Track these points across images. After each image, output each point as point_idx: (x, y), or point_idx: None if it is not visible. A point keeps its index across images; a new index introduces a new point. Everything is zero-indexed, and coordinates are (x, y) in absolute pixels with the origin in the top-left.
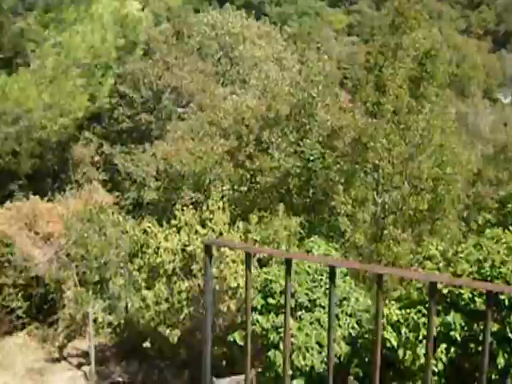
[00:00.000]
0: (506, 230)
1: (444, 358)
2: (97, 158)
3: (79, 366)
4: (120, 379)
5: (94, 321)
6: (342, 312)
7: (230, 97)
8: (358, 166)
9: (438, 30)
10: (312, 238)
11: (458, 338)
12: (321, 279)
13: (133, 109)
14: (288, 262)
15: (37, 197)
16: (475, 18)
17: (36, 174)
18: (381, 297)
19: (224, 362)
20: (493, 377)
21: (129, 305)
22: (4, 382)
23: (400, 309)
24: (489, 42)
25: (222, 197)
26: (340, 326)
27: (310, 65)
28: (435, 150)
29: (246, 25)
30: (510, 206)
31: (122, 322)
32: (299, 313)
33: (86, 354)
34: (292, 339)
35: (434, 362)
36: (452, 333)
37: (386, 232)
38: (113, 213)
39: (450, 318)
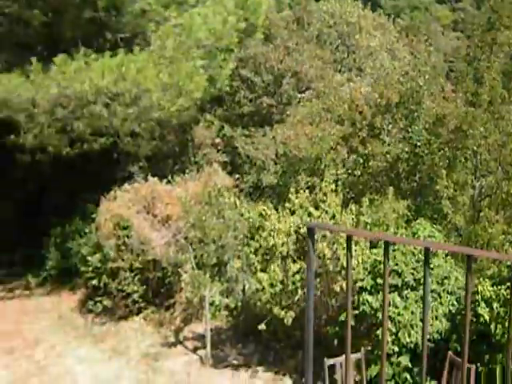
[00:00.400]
0: None
1: None
2: (218, 141)
3: (195, 350)
4: (235, 362)
5: (211, 304)
6: (444, 290)
7: (346, 84)
8: (458, 152)
9: None
10: (418, 221)
11: None
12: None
13: (254, 92)
14: (386, 245)
15: (155, 179)
16: None
17: (156, 156)
18: (469, 277)
19: (336, 342)
20: None
21: (246, 287)
22: (118, 367)
23: (492, 285)
24: None
25: (337, 180)
26: (441, 303)
27: (418, 56)
28: None
29: (363, 15)
30: None
31: (239, 304)
32: (405, 292)
33: (201, 338)
34: (399, 317)
35: None
36: None
37: (482, 214)
38: (230, 196)
39: None
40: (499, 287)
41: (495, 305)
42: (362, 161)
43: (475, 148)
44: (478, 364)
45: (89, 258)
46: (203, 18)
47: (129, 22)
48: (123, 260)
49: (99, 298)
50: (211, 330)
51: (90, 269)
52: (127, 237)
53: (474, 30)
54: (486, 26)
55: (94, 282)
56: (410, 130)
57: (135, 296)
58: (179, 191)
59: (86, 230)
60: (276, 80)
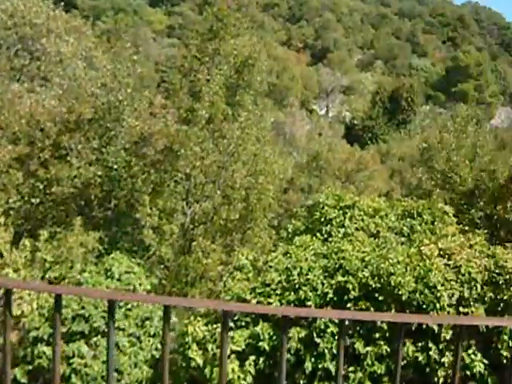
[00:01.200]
0: (314, 237)
1: (252, 371)
2: None
3: None
4: None
5: None
6: (145, 333)
7: (27, 95)
8: (167, 175)
9: (258, 40)
10: (112, 255)
11: (267, 348)
12: (120, 300)
13: None
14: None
15: None
16: (295, 32)
17: None
18: (167, 329)
19: None
20: (301, 382)
21: None
22: None
23: (206, 324)
24: (307, 56)
25: (8, 210)
26: (142, 348)
27: (118, 66)
28: (249, 159)
29: (53, 16)
30: (317, 213)
31: None
32: (95, 339)
33: None
34: (86, 369)
35: (242, 375)
36: (260, 343)
37: (195, 243)
38: None
39: (258, 329)
40: (214, 326)
41: (210, 346)
42: (42, 186)
43: (188, 170)
44: None
45: None
46: None
47: None
48: None
49: None
50: None
51: None
52: None
53: (192, 38)
54: (207, 35)
55: None
56: (105, 150)
57: None
58: None
59: None
60: None
